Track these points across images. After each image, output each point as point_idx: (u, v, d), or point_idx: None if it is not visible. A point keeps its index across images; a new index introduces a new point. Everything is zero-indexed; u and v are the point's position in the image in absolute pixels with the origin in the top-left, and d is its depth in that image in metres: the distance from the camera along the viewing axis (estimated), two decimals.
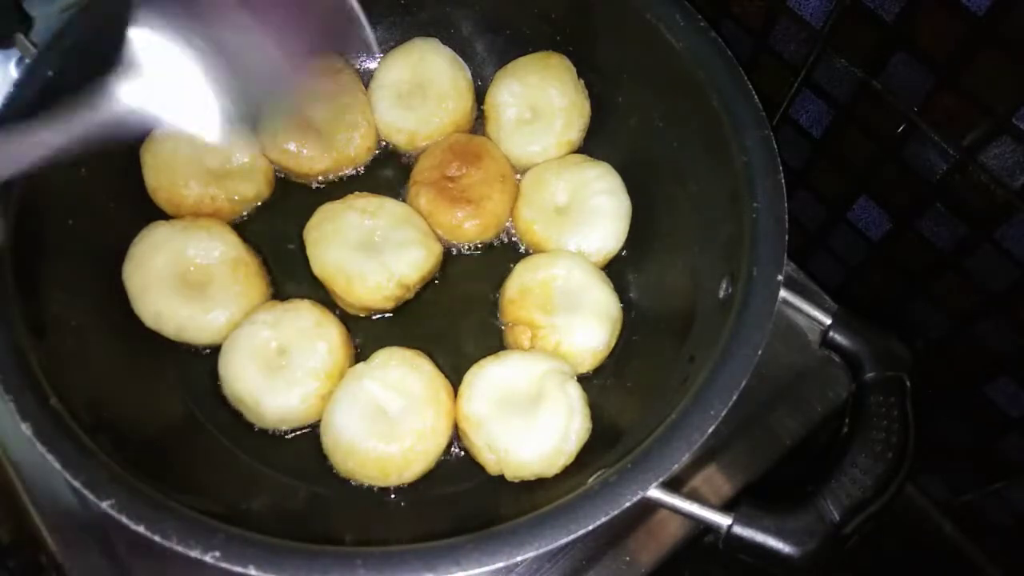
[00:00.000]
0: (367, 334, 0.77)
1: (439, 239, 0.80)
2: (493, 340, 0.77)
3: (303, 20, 0.54)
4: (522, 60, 0.84)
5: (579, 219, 0.78)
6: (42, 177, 0.65)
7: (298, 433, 0.71)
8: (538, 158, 0.82)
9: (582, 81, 0.83)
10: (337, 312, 0.75)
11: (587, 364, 0.73)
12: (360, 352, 0.76)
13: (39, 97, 0.66)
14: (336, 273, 0.74)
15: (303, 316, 0.72)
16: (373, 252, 0.75)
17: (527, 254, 0.81)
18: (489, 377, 0.70)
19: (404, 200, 0.81)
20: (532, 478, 0.67)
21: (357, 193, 0.79)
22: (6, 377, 0.57)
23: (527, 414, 0.67)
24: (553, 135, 0.81)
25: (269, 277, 0.77)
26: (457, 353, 0.76)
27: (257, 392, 0.69)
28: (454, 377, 0.72)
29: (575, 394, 0.68)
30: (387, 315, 0.78)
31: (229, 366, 0.70)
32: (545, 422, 0.66)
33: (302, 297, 0.75)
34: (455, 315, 0.79)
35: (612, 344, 0.74)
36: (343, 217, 0.76)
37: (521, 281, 0.75)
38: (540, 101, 0.82)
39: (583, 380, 0.72)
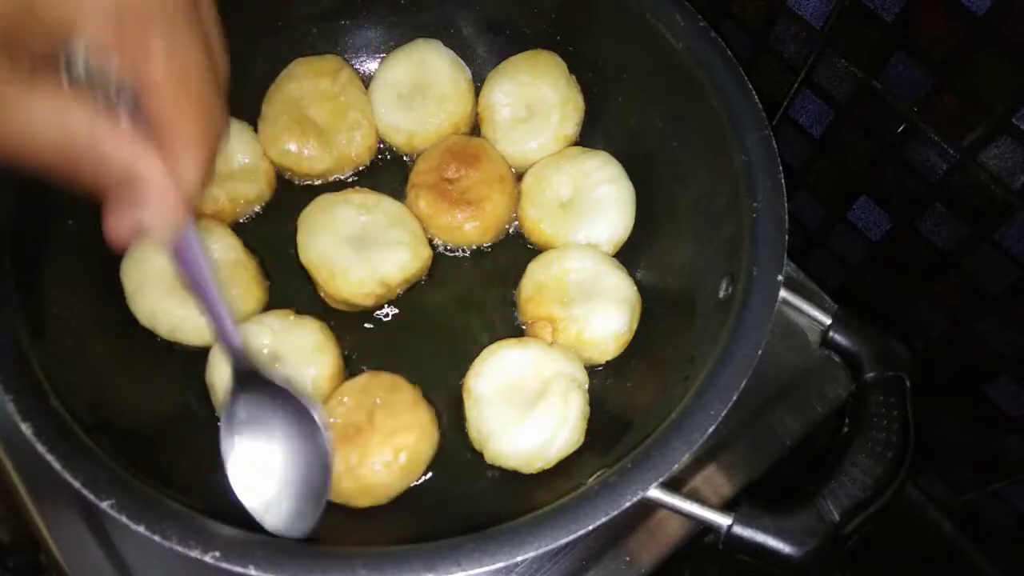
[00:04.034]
0: (369, 333, 0.77)
1: (433, 243, 0.80)
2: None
3: None
4: (512, 59, 0.84)
5: (584, 211, 0.78)
6: (42, 177, 0.66)
7: None
8: (536, 155, 0.82)
9: (574, 76, 0.83)
10: (332, 323, 0.75)
11: (612, 349, 0.73)
12: (351, 357, 0.75)
13: None
14: (321, 264, 0.74)
15: (307, 334, 0.71)
16: (361, 248, 0.75)
17: (531, 251, 0.81)
18: (503, 360, 0.70)
19: (404, 202, 0.81)
20: (508, 469, 0.67)
21: (357, 188, 0.79)
22: (6, 377, 0.57)
23: (522, 409, 0.67)
24: (550, 130, 0.81)
25: (267, 282, 0.77)
26: (461, 357, 0.75)
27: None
28: (456, 380, 0.73)
29: (575, 406, 0.68)
30: (390, 315, 0.78)
31: (214, 364, 0.70)
32: (534, 424, 0.66)
33: (296, 296, 0.75)
34: (459, 318, 0.78)
35: (634, 327, 0.74)
36: (338, 210, 0.76)
37: (535, 279, 0.76)
38: (534, 98, 0.82)
39: None
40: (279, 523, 0.57)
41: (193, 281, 0.51)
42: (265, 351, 0.70)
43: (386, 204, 0.78)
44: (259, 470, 0.58)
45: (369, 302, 0.76)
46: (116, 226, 0.39)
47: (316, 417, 0.58)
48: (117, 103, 0.36)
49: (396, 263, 0.75)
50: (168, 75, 0.35)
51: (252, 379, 0.58)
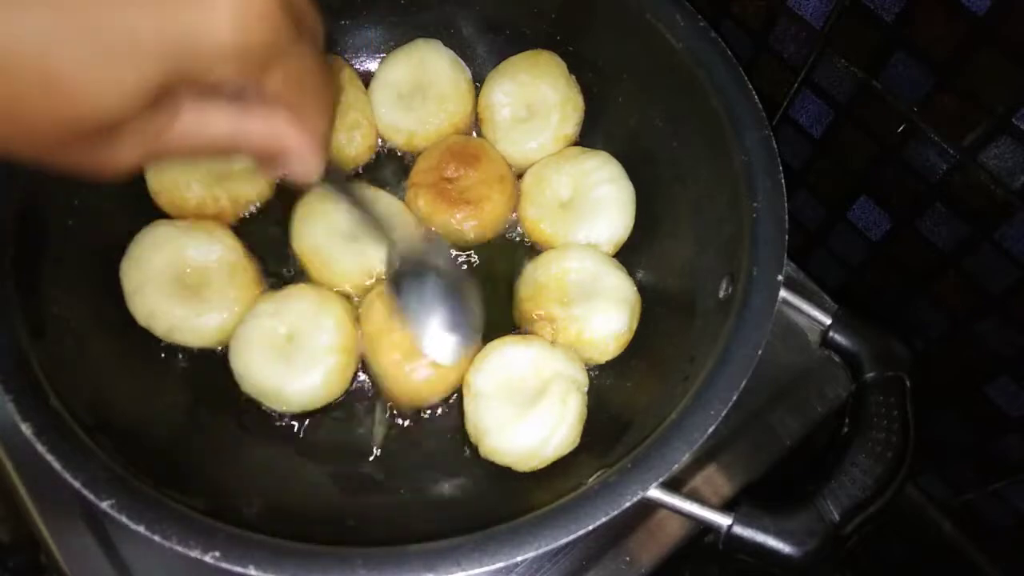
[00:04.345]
0: None
1: None
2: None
3: None
4: (511, 60, 0.84)
5: (584, 211, 0.78)
6: (42, 177, 0.66)
7: (306, 424, 0.72)
8: (536, 155, 0.82)
9: (573, 77, 0.83)
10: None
11: (612, 349, 0.73)
12: None
13: None
14: (313, 253, 0.75)
15: (304, 299, 0.72)
16: (354, 240, 0.75)
17: (531, 251, 0.81)
18: (505, 356, 0.70)
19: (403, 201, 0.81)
20: (502, 465, 0.68)
21: (358, 183, 0.80)
22: (6, 377, 0.57)
23: (520, 407, 0.67)
24: (550, 130, 0.81)
25: (266, 283, 0.77)
26: None
27: (277, 380, 0.69)
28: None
29: (573, 407, 0.68)
30: None
31: (242, 362, 0.70)
32: (531, 423, 0.66)
33: None
34: None
35: (634, 327, 0.74)
36: (335, 201, 0.76)
37: (535, 279, 0.76)
38: (534, 98, 0.82)
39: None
40: (448, 356, 0.69)
41: (346, 199, 0.62)
42: (281, 331, 0.71)
43: (383, 198, 0.79)
44: (425, 315, 0.69)
45: (360, 294, 0.76)
46: (275, 176, 0.54)
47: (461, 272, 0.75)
48: (247, 99, 0.45)
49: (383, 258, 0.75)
50: (286, 84, 0.45)
51: (408, 260, 0.69)
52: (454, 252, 0.81)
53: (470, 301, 0.71)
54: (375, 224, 0.66)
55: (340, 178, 0.61)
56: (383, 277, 0.75)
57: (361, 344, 0.74)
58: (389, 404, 0.73)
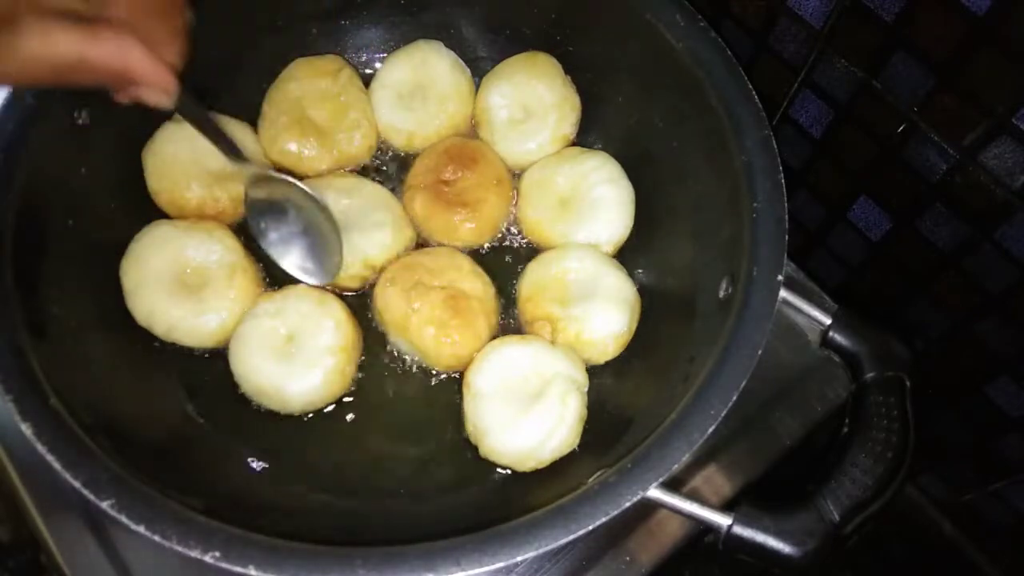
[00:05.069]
0: (371, 330, 0.77)
1: (428, 244, 0.80)
2: None
3: None
4: (507, 62, 0.84)
5: (583, 211, 0.78)
6: (42, 177, 0.66)
7: (306, 423, 0.72)
8: (535, 155, 0.82)
9: (569, 77, 0.83)
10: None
11: (612, 350, 0.73)
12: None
13: (39, 96, 0.66)
14: None
15: (303, 300, 0.73)
16: (343, 231, 0.75)
17: (531, 251, 0.81)
18: (506, 356, 0.71)
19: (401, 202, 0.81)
20: (501, 466, 0.68)
21: (338, 172, 0.80)
22: (6, 377, 0.57)
23: (520, 408, 0.68)
24: (548, 131, 0.82)
25: (265, 283, 0.77)
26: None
27: (278, 380, 0.70)
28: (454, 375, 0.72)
29: (572, 408, 0.68)
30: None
31: (242, 362, 0.70)
32: (530, 424, 0.66)
33: None
34: None
35: (634, 327, 0.74)
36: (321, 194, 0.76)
37: (535, 279, 0.76)
38: (530, 99, 0.82)
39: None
40: (310, 276, 0.74)
41: (199, 127, 0.65)
42: (281, 331, 0.71)
43: (368, 187, 0.79)
44: (287, 240, 0.74)
45: (355, 284, 0.76)
46: (129, 100, 0.52)
47: (317, 196, 0.72)
48: (94, 22, 0.46)
49: (378, 244, 0.76)
50: (129, 6, 0.47)
51: (263, 181, 0.72)
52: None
53: (327, 231, 0.73)
54: (233, 154, 0.69)
55: (194, 108, 0.63)
56: (377, 266, 0.76)
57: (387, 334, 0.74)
58: (433, 369, 0.75)
